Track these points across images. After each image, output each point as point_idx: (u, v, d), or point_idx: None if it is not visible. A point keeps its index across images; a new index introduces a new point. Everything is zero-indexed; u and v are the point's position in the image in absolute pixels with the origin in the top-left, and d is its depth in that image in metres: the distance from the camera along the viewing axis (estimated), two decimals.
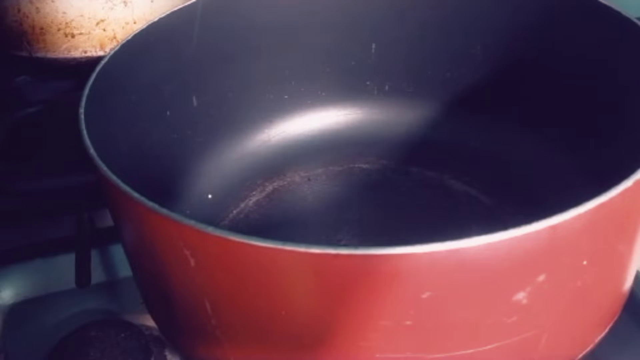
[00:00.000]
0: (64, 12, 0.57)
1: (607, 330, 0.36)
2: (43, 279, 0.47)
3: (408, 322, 0.28)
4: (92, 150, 0.32)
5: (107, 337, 0.39)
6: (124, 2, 0.58)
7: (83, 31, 0.58)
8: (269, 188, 0.50)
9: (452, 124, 0.52)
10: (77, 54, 0.59)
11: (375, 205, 0.48)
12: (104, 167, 0.31)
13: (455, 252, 0.26)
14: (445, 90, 0.52)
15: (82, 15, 0.57)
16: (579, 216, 0.27)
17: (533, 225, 0.26)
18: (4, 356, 0.42)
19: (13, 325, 0.45)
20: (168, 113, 0.46)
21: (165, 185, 0.46)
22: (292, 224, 0.47)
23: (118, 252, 0.48)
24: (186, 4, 0.46)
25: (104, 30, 0.58)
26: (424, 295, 0.27)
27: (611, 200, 0.27)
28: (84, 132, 0.34)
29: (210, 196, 0.49)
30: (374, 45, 0.52)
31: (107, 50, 0.58)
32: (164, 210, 0.28)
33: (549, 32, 0.47)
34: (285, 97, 0.53)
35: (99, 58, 0.41)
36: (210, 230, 0.27)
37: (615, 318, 0.36)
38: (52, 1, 0.57)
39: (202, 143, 0.49)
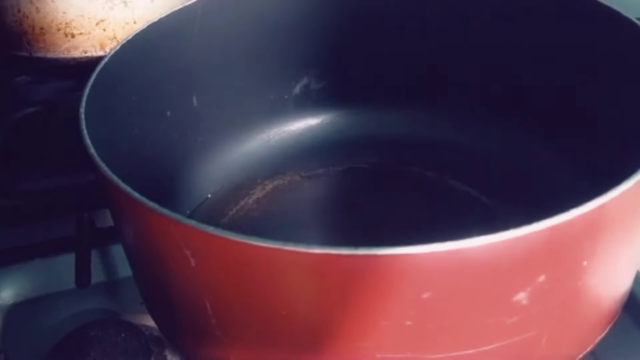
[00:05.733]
0: (64, 12, 0.57)
1: (607, 330, 0.36)
2: (43, 279, 0.47)
3: (408, 322, 0.28)
4: (92, 150, 0.32)
5: (107, 337, 0.39)
6: (124, 2, 0.58)
7: (83, 31, 0.58)
8: (269, 187, 0.50)
9: (452, 124, 0.52)
10: (77, 54, 0.59)
11: (375, 205, 0.48)
12: (104, 167, 0.31)
13: (455, 252, 0.26)
14: (445, 91, 0.52)
15: (82, 15, 0.57)
16: (579, 216, 0.27)
17: (533, 225, 0.26)
18: (4, 356, 0.42)
19: (13, 325, 0.45)
20: (168, 113, 0.46)
21: (165, 185, 0.46)
22: (292, 224, 0.47)
23: (118, 252, 0.48)
24: (186, 4, 0.46)
25: (104, 30, 0.58)
26: (424, 295, 0.27)
27: (611, 200, 0.28)
28: (84, 132, 0.34)
29: (210, 196, 0.49)
30: (374, 46, 0.52)
31: (107, 50, 0.58)
32: (164, 210, 0.28)
33: (548, 32, 0.47)
34: (286, 97, 0.53)
35: (99, 58, 0.41)
36: (211, 230, 0.27)
37: (615, 318, 0.36)
38: (52, 1, 0.57)
39: (202, 143, 0.49)
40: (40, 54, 0.59)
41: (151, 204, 0.29)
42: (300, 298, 0.29)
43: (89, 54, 0.59)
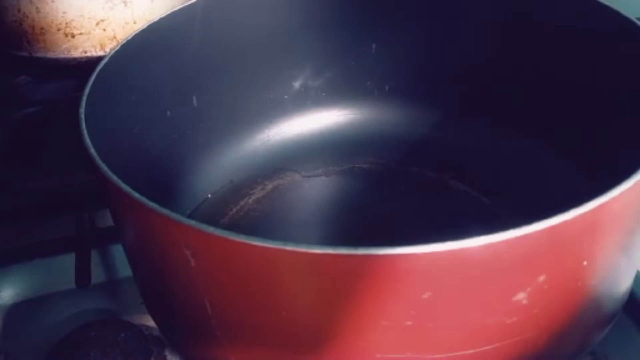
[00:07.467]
0: (64, 12, 0.57)
1: (607, 330, 0.36)
2: (43, 279, 0.47)
3: (408, 322, 0.28)
4: (92, 150, 0.32)
5: (107, 337, 0.39)
6: (124, 2, 0.58)
7: (83, 31, 0.58)
8: (269, 187, 0.50)
9: (452, 124, 0.52)
10: (77, 54, 0.59)
11: (375, 206, 0.48)
12: (104, 167, 0.31)
13: (455, 252, 0.26)
14: (445, 91, 0.52)
15: (82, 15, 0.57)
16: (579, 216, 0.27)
17: (533, 225, 0.26)
18: (4, 356, 0.42)
19: (13, 325, 0.45)
20: (168, 113, 0.46)
21: (165, 185, 0.46)
22: (292, 224, 0.47)
23: (118, 252, 0.48)
24: (186, 4, 0.46)
25: (104, 30, 0.58)
26: (424, 295, 0.27)
27: (611, 200, 0.28)
28: (84, 132, 0.34)
29: (210, 196, 0.49)
30: (374, 45, 0.52)
31: (107, 50, 0.58)
32: (164, 210, 0.28)
33: (548, 33, 0.47)
34: (285, 97, 0.53)
35: (99, 58, 0.42)
36: (211, 230, 0.27)
37: (615, 318, 0.36)
38: (52, 1, 0.57)
39: (202, 143, 0.49)
40: (40, 54, 0.59)
41: (151, 204, 0.29)
42: (300, 298, 0.29)
43: (89, 54, 0.59)
